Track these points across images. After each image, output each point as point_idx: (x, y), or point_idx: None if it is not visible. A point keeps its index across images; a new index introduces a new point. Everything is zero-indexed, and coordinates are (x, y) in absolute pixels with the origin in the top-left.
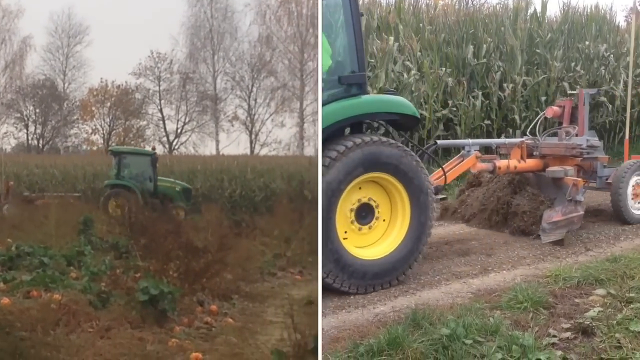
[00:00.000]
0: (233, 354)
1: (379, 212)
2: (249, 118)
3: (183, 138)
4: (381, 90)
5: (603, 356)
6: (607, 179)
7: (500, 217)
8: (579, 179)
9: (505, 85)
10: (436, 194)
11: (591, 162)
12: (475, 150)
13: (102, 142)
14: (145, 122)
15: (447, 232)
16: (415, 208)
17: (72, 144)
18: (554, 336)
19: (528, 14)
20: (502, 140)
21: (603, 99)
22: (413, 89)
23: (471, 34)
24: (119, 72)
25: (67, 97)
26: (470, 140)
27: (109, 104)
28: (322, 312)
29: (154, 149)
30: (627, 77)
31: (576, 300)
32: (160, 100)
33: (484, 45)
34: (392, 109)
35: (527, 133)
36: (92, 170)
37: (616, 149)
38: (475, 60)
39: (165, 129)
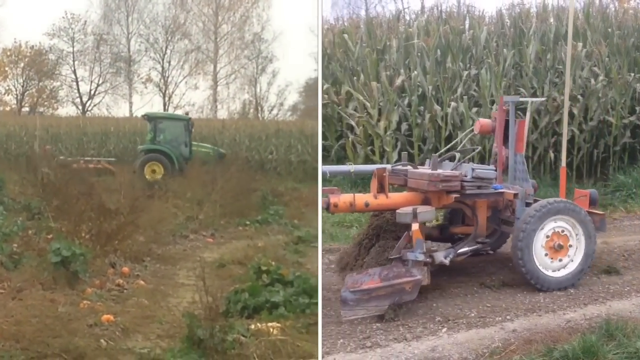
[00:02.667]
0: (145, 316)
1: None
2: (162, 80)
3: (96, 99)
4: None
5: None
6: None
7: None
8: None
9: None
10: None
11: (501, 198)
12: None
13: (15, 102)
14: (58, 83)
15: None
16: None
17: None
18: None
19: None
20: (346, 167)
21: None
22: (600, 95)
23: None
24: (33, 33)
25: None
26: None
27: (22, 64)
28: (514, 313)
29: (187, 114)
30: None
31: None
32: (73, 61)
33: None
34: None
35: (429, 156)
36: None
37: None
38: None
39: (78, 90)
